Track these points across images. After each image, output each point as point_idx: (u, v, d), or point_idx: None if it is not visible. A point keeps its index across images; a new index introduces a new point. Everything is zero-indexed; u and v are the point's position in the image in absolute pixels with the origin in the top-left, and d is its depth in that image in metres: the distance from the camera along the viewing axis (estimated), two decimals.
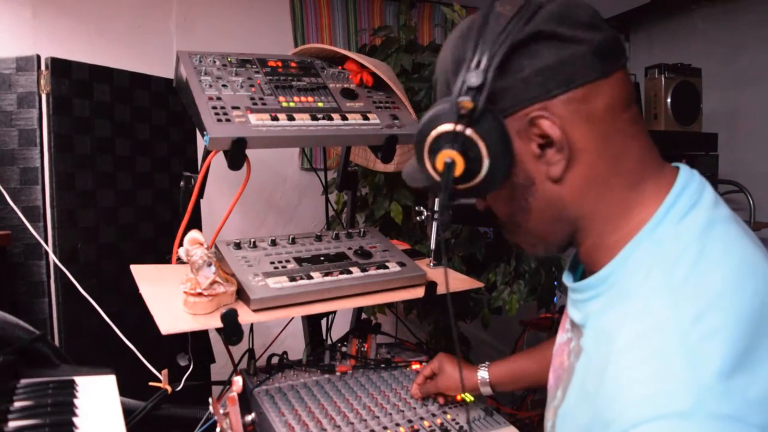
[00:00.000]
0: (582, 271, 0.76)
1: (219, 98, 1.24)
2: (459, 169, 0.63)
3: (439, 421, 1.14)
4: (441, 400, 1.19)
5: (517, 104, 0.63)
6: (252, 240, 1.28)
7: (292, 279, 1.17)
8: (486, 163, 0.63)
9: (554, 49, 0.62)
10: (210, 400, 1.08)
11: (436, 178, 0.65)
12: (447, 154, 0.63)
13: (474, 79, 0.61)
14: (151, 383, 1.14)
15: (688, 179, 0.65)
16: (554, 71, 0.62)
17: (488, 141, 0.62)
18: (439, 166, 0.64)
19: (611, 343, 0.59)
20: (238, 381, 1.02)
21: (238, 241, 1.28)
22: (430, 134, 0.64)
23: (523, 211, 0.69)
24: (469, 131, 0.62)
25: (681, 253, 0.60)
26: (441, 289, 1.31)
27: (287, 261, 1.24)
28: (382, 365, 1.31)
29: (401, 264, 1.30)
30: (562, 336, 0.78)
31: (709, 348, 0.53)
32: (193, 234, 1.13)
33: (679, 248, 0.60)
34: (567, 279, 0.76)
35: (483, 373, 1.13)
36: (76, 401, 0.90)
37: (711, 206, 0.63)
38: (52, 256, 1.57)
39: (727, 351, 0.53)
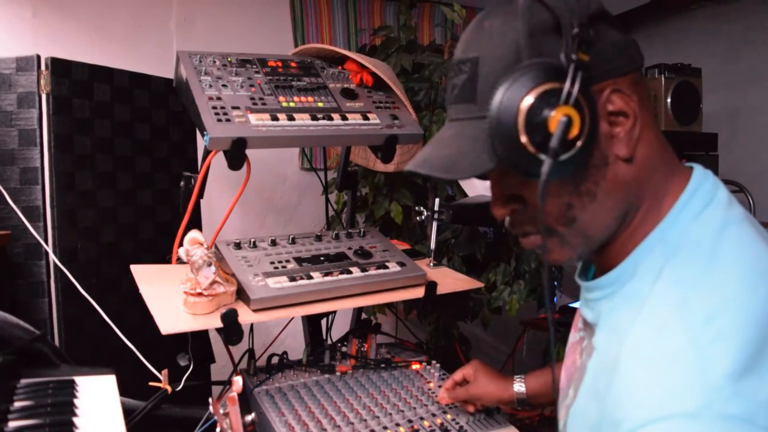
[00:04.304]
0: (594, 270, 0.76)
1: (219, 98, 1.24)
2: (575, 130, 0.56)
3: (439, 421, 1.14)
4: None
5: (594, 78, 0.60)
6: (252, 240, 1.28)
7: (292, 279, 1.17)
8: (586, 131, 0.57)
9: (615, 30, 0.63)
10: (210, 400, 1.08)
11: (530, 148, 0.56)
12: (565, 111, 0.55)
13: (585, 31, 0.57)
14: (151, 383, 1.14)
15: (701, 179, 0.65)
16: (622, 49, 0.63)
17: (590, 105, 0.57)
18: (552, 126, 0.55)
19: (622, 342, 0.59)
20: (238, 381, 1.02)
21: (238, 241, 1.28)
22: (528, 94, 0.56)
23: (587, 198, 0.63)
24: (575, 91, 0.56)
25: (693, 253, 0.60)
26: (441, 289, 1.31)
27: (287, 261, 1.24)
28: (382, 365, 1.31)
29: (401, 264, 1.30)
30: (574, 335, 0.78)
31: (719, 349, 0.53)
32: (193, 234, 1.13)
33: (692, 248, 0.60)
34: (579, 278, 0.76)
35: (519, 387, 1.09)
36: (76, 401, 0.90)
37: (725, 206, 0.63)
38: (52, 256, 1.57)
39: (737, 353, 0.53)
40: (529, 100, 0.56)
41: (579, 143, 0.57)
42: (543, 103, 0.56)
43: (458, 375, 1.16)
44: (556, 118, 0.55)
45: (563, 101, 0.55)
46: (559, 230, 0.66)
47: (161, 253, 1.65)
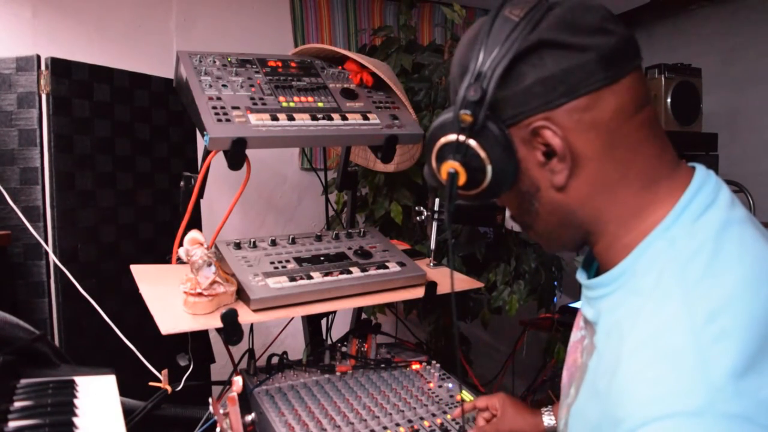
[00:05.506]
0: (596, 268, 0.76)
1: (219, 98, 1.24)
2: (462, 179, 0.66)
3: (439, 421, 1.14)
4: None
5: (520, 114, 0.63)
6: (252, 240, 1.28)
7: (292, 279, 1.17)
8: (489, 173, 0.65)
9: (558, 57, 0.60)
10: (210, 400, 1.08)
11: (444, 184, 0.67)
12: (450, 165, 0.65)
13: (473, 93, 0.62)
14: (151, 383, 1.14)
15: (704, 179, 0.64)
16: (557, 81, 0.61)
17: (490, 151, 0.64)
18: (444, 175, 0.66)
19: (622, 341, 0.59)
20: (238, 381, 1.02)
21: (238, 241, 1.28)
22: (436, 143, 0.67)
23: (530, 214, 0.70)
24: (472, 142, 0.64)
25: (695, 252, 0.59)
26: (441, 289, 1.31)
27: (287, 261, 1.24)
28: (382, 365, 1.31)
29: (401, 264, 1.30)
30: (576, 334, 0.78)
31: (721, 348, 0.53)
32: (193, 234, 1.13)
33: (694, 248, 0.60)
34: (581, 276, 0.75)
35: (549, 420, 1.06)
36: (76, 401, 0.90)
37: (727, 207, 0.63)
38: (52, 256, 1.57)
39: (739, 351, 0.53)
40: (437, 147, 0.67)
41: (486, 182, 0.65)
42: (444, 152, 0.66)
43: (481, 402, 1.12)
44: (444, 170, 0.66)
45: (452, 155, 0.65)
46: (525, 229, 0.74)
47: (161, 253, 1.65)
